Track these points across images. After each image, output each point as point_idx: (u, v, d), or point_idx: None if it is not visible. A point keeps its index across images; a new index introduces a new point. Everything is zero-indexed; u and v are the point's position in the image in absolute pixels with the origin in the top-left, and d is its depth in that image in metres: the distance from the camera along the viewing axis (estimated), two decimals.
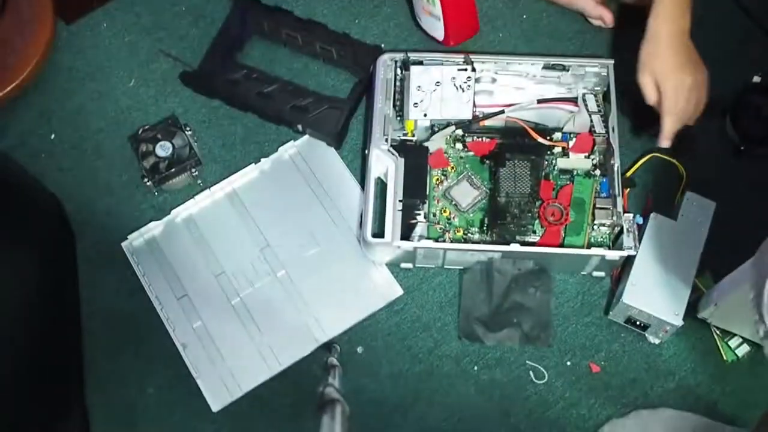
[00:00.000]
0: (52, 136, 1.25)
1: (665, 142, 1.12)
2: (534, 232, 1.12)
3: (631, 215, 1.09)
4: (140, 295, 1.14)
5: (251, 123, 1.25)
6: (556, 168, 1.16)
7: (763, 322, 0.78)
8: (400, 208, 1.11)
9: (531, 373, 1.10)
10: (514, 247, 1.08)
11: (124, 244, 1.17)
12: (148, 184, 1.19)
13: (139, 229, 1.17)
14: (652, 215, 1.10)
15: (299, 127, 1.23)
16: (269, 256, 1.16)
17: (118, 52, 1.30)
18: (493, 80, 1.21)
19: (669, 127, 1.10)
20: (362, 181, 1.18)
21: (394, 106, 1.18)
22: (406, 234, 1.11)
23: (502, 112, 1.17)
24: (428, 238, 1.11)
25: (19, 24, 1.26)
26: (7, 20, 1.26)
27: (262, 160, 1.21)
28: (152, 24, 1.31)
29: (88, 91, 1.27)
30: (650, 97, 1.11)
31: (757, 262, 0.82)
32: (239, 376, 1.10)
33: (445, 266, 1.14)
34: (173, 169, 1.18)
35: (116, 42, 1.30)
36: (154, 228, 1.18)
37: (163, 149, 1.18)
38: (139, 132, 1.20)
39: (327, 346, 1.10)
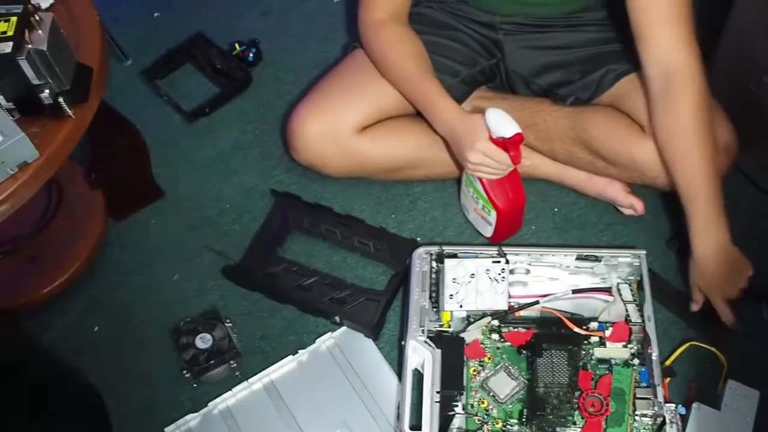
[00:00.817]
0: (96, 328, 1.27)
1: (729, 321, 1.14)
2: (574, 423, 1.11)
3: (674, 405, 1.08)
4: None
5: (290, 315, 1.27)
6: (593, 358, 1.16)
7: None
8: (438, 399, 1.10)
9: None
10: None
11: None
12: (187, 376, 1.20)
13: (176, 422, 1.17)
14: (694, 405, 1.09)
15: (337, 318, 1.24)
16: None
17: (165, 247, 1.34)
18: (527, 271, 1.23)
19: (724, 314, 1.14)
20: (399, 372, 1.18)
21: (430, 297, 1.20)
22: (445, 426, 1.09)
23: (537, 302, 1.19)
24: (467, 430, 1.10)
25: (72, 222, 1.32)
26: (61, 218, 1.32)
27: (300, 351, 1.22)
28: (198, 221, 1.36)
29: (133, 285, 1.31)
30: (698, 303, 1.17)
31: None
32: None
33: None
34: (212, 361, 1.19)
35: (163, 238, 1.35)
36: (191, 420, 1.18)
37: (203, 341, 1.20)
38: (181, 324, 1.21)
39: None
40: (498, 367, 1.17)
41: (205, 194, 1.39)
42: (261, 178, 1.40)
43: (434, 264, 1.22)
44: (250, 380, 1.20)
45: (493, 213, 1.25)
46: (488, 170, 1.18)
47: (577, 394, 1.11)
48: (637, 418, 1.10)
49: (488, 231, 1.30)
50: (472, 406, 1.14)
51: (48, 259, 1.28)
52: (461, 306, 1.17)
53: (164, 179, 1.39)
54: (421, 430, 1.07)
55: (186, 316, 1.23)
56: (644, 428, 1.10)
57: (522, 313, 1.19)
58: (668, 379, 1.13)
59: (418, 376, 1.13)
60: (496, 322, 1.19)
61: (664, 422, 1.07)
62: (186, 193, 1.39)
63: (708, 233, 1.11)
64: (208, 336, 1.20)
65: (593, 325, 1.18)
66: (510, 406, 1.14)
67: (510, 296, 1.19)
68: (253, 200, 1.37)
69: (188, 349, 1.20)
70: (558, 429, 1.10)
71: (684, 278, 1.19)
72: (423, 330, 1.16)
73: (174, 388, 1.21)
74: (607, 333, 1.17)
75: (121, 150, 1.30)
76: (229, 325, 1.23)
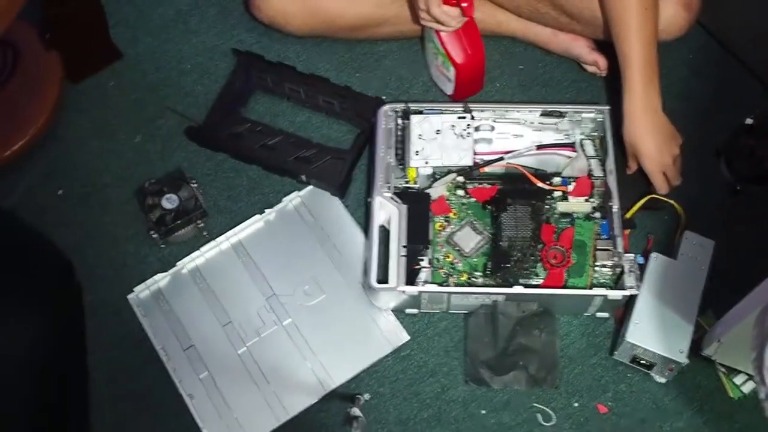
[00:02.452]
0: (59, 192, 1.26)
1: (663, 191, 1.18)
2: (537, 275, 1.13)
3: (632, 255, 1.10)
4: (147, 347, 1.14)
5: (256, 175, 1.26)
6: (556, 212, 1.17)
7: (763, 384, 0.77)
8: (404, 254, 1.12)
9: (539, 415, 1.09)
10: (518, 289, 1.09)
11: (130, 297, 1.18)
12: (154, 236, 1.20)
13: (145, 282, 1.18)
14: (652, 255, 1.12)
15: (303, 177, 1.24)
16: (275, 306, 1.17)
17: (125, 109, 1.32)
18: (492, 128, 1.23)
19: (659, 186, 1.17)
20: (366, 229, 1.19)
21: (396, 155, 1.20)
22: (411, 279, 1.11)
23: (502, 158, 1.20)
24: (432, 282, 1.12)
25: (27, 84, 1.28)
26: (16, 81, 1.29)
27: (267, 210, 1.23)
28: (158, 82, 1.34)
29: (95, 148, 1.29)
30: (632, 168, 1.19)
31: (758, 323, 0.81)
32: (247, 426, 1.10)
33: (450, 311, 1.15)
34: (179, 221, 1.19)
35: (123, 100, 1.32)
36: (161, 280, 1.19)
37: (170, 201, 1.20)
38: (146, 185, 1.21)
39: (351, 397, 1.09)
40: (463, 222, 1.18)
41: (164, 54, 1.35)
42: (221, 38, 1.37)
43: (400, 121, 1.22)
44: (218, 239, 1.21)
45: (452, 69, 1.24)
46: (442, 20, 1.17)
47: (539, 246, 1.13)
48: (597, 268, 1.13)
49: (449, 88, 1.29)
50: (438, 260, 1.15)
51: (5, 124, 1.26)
52: (427, 162, 1.18)
53: (122, 40, 1.35)
54: (388, 283, 1.09)
55: (151, 178, 1.22)
56: (604, 278, 1.13)
57: (487, 169, 1.20)
58: (628, 231, 1.15)
59: (385, 233, 1.15)
60: (461, 179, 1.20)
61: (623, 272, 1.09)
62: (145, 53, 1.36)
63: (634, 94, 1.12)
64: (174, 196, 1.20)
65: (557, 180, 1.19)
66: (475, 260, 1.15)
67: (475, 153, 1.19)
68: (215, 60, 1.35)
69: (155, 210, 1.19)
70: (521, 280, 1.12)
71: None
72: (389, 187, 1.17)
73: (142, 249, 1.21)
74: (570, 188, 1.18)
75: (74, 8, 1.26)
76: (195, 185, 1.22)
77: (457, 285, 1.13)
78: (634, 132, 1.14)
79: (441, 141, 1.18)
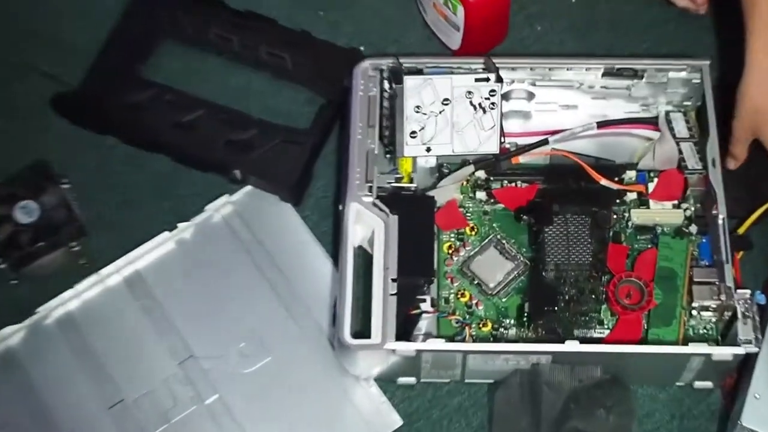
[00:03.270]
0: None
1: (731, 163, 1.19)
2: (601, 323, 1.13)
3: (748, 293, 1.09)
4: None
5: (164, 169, 1.26)
6: (630, 224, 1.17)
7: None
8: (395, 291, 1.09)
9: None
10: (571, 345, 1.07)
11: None
12: (2, 267, 1.18)
13: None
14: None
15: (237, 173, 1.23)
16: (194, 374, 1.15)
17: None
18: (530, 96, 1.23)
19: None
20: (335, 253, 1.19)
21: (382, 138, 1.19)
22: (406, 331, 1.10)
23: (546, 142, 1.19)
24: (439, 336, 1.11)
25: None
26: None
27: (181, 225, 1.22)
28: (16, 32, 1.35)
29: None
30: (738, 156, 1.20)
31: None
32: None
33: (467, 380, 1.14)
34: (42, 243, 1.18)
35: None
36: (11, 336, 1.17)
37: (26, 213, 1.19)
38: None
39: None
40: (486, 241, 1.18)
41: None
42: None
43: (387, 86, 1.19)
44: (104, 271, 1.20)
45: (461, 9, 1.25)
46: None
47: (604, 279, 1.13)
48: (694, 312, 1.12)
49: (455, 40, 1.30)
50: (447, 300, 1.15)
51: None
52: (429, 149, 1.17)
53: None
54: (369, 338, 1.07)
55: None
56: (705, 327, 1.12)
57: (522, 159, 1.20)
58: (741, 253, 1.15)
59: (365, 258, 1.14)
60: (482, 174, 1.19)
61: (734, 316, 1.08)
62: None
63: (763, 33, 1.13)
64: (32, 204, 1.19)
65: (630, 175, 1.19)
66: (504, 300, 1.15)
67: (504, 134, 1.19)
68: None
69: (2, 226, 1.18)
70: (576, 331, 1.12)
71: None
72: (371, 187, 1.15)
73: None
74: (651, 187, 1.18)
75: None
76: (67, 186, 1.21)
77: (477, 340, 1.13)
78: (764, 92, 1.13)
79: (450, 116, 1.17)
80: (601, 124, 1.19)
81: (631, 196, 1.18)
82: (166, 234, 1.21)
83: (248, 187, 1.24)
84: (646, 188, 1.18)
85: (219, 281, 1.20)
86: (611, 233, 1.15)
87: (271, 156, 1.23)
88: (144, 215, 1.24)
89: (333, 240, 1.21)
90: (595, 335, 1.12)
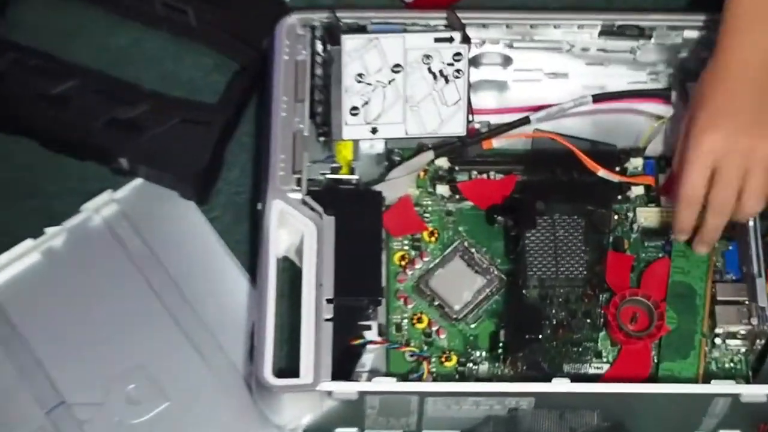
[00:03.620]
0: None
1: (678, 236, 1.15)
2: (598, 354, 1.11)
3: None
4: None
5: (27, 158, 1.24)
6: (636, 228, 1.16)
7: None
8: (330, 315, 1.07)
9: None
10: (560, 384, 1.04)
11: None
12: None
13: None
14: None
15: (123, 162, 1.21)
16: (66, 426, 1.11)
17: None
18: (507, 61, 1.22)
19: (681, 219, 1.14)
20: (253, 266, 1.16)
21: (313, 116, 1.17)
22: (346, 368, 1.07)
23: (527, 121, 1.17)
24: (389, 374, 1.08)
25: None
26: None
27: (49, 231, 1.18)
28: None
29: None
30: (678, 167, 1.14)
31: None
32: None
33: (424, 430, 1.11)
34: None
35: None
36: None
37: None
38: None
39: None
40: (449, 251, 1.16)
41: None
42: None
43: (320, 47, 1.18)
44: None
45: None
46: None
47: (603, 298, 1.11)
48: (718, 341, 1.10)
49: None
50: (400, 327, 1.13)
51: None
52: (375, 131, 1.15)
53: None
54: (297, 377, 1.04)
55: None
56: (732, 359, 1.10)
57: (496, 142, 1.18)
58: None
59: (292, 272, 1.13)
60: (444, 162, 1.18)
61: None
62: None
63: (748, 36, 1.11)
64: None
65: (635, 163, 1.18)
66: (473, 327, 1.13)
67: (472, 111, 1.17)
68: None
69: None
70: (566, 367, 1.10)
71: None
72: (299, 180, 1.13)
73: None
74: (662, 179, 1.18)
75: None
76: None
77: (438, 378, 1.11)
78: (720, 92, 1.10)
79: (403, 88, 1.15)
80: (598, 98, 1.18)
81: (637, 190, 1.16)
82: (29, 242, 1.18)
83: (138, 181, 1.22)
84: (656, 180, 1.17)
85: (99, 303, 1.16)
86: (611, 239, 1.14)
87: (168, 139, 1.20)
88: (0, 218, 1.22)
89: (250, 249, 1.19)
90: (591, 371, 1.10)
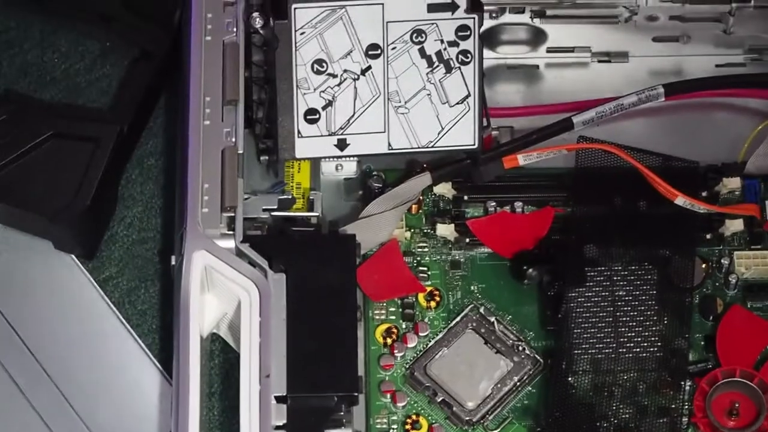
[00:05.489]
0: None
1: None
2: None
3: None
4: None
5: None
6: (734, 279, 1.14)
7: None
8: (283, 421, 1.04)
9: None
10: None
11: None
12: None
13: None
14: None
15: None
16: None
17: None
18: (537, 36, 1.26)
19: None
20: (166, 351, 1.17)
21: (250, 124, 1.19)
22: None
23: (570, 125, 1.16)
24: None
25: None
26: None
27: None
28: None
29: None
30: None
31: None
32: None
33: None
34: None
35: None
36: None
37: None
38: None
39: None
40: (458, 320, 1.14)
41: None
42: None
43: (259, 22, 1.16)
44: None
45: None
46: None
47: (687, 387, 1.10)
48: None
49: None
50: None
51: None
52: (343, 145, 1.15)
53: None
54: None
55: None
56: None
57: (523, 159, 1.17)
58: None
59: (223, 357, 1.16)
60: (448, 190, 1.19)
61: None
62: None
63: None
64: None
65: (730, 186, 1.18)
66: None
67: (488, 112, 1.17)
68: None
69: None
70: None
71: None
72: (231, 219, 1.12)
73: None
74: None
75: None
76: None
77: None
78: None
79: (384, 81, 1.15)
80: (673, 90, 1.18)
81: (734, 225, 1.15)
82: None
83: None
84: (763, 211, 1.13)
85: None
86: (697, 299, 1.11)
87: (35, 164, 1.20)
88: None
89: (161, 325, 1.18)
90: None
